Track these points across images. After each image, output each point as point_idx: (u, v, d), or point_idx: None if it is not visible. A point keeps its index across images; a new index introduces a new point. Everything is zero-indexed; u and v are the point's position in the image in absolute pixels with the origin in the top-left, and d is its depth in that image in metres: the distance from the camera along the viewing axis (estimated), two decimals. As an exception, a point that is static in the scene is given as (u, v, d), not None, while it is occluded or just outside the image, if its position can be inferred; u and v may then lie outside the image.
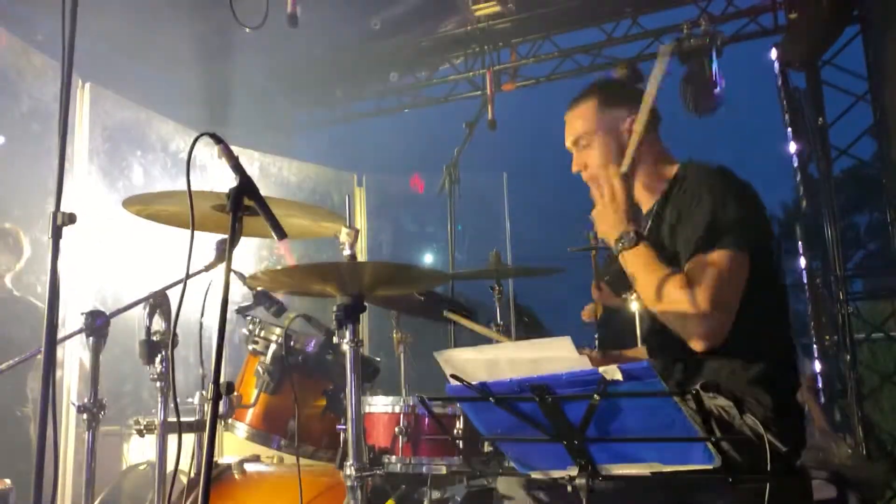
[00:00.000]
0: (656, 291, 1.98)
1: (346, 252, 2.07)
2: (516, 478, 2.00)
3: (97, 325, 2.18)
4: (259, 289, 2.61)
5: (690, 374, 2.04)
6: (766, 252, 2.07)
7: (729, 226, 1.99)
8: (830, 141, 6.25)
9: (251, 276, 2.12)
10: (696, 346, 1.96)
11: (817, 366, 6.29)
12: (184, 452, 1.90)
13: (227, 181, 1.75)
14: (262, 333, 2.74)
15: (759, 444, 1.84)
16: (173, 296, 2.13)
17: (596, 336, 4.95)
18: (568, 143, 2.32)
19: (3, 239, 4.29)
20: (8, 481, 2.96)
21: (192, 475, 2.36)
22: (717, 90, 6.19)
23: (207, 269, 2.28)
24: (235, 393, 2.60)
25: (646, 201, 2.28)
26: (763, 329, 2.03)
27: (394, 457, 2.61)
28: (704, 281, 1.93)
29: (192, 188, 1.78)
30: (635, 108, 2.20)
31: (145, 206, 2.23)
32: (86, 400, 2.20)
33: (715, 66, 6.24)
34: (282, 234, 1.79)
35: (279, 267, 2.07)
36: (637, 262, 2.04)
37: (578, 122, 2.28)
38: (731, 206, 2.02)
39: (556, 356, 1.59)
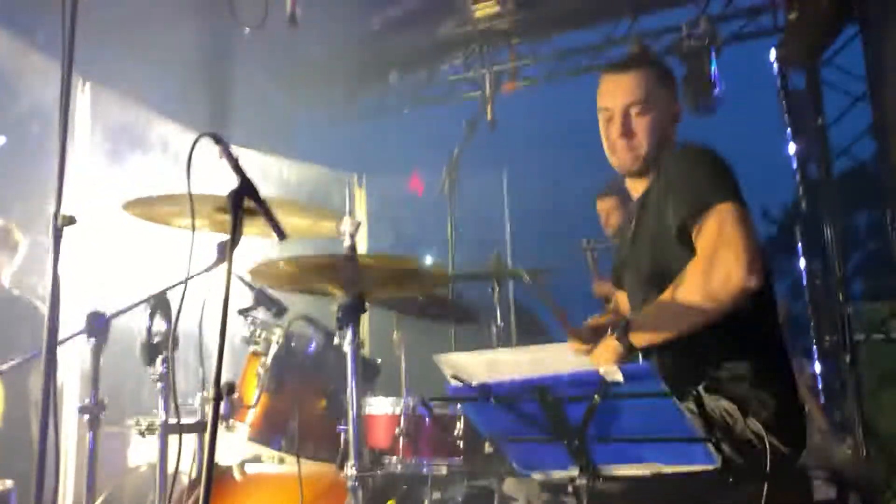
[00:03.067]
0: (684, 310, 1.92)
1: (347, 243, 2.07)
2: (517, 478, 2.00)
3: (98, 326, 2.18)
4: (259, 288, 2.62)
5: (689, 376, 2.04)
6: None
7: (712, 182, 1.99)
8: (830, 141, 6.25)
9: (252, 270, 2.12)
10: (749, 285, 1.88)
11: (817, 366, 6.29)
12: (184, 453, 1.90)
13: (228, 181, 1.76)
14: (263, 334, 2.74)
15: (761, 447, 1.84)
16: (174, 297, 2.13)
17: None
18: (613, 104, 2.22)
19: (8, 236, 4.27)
20: (9, 482, 2.96)
21: (193, 476, 2.36)
22: (717, 90, 6.20)
23: (208, 270, 2.28)
24: (236, 394, 2.60)
25: (637, 192, 2.30)
26: (758, 327, 2.03)
27: (394, 457, 2.61)
28: (713, 245, 1.91)
29: (193, 188, 1.78)
30: (676, 96, 2.26)
31: (146, 209, 2.22)
32: (86, 401, 2.20)
33: (714, 67, 6.25)
34: (282, 235, 1.79)
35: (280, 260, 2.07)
36: (649, 328, 1.98)
37: (636, 87, 2.21)
38: (706, 166, 2.04)
39: (555, 357, 1.59)
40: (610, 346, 1.97)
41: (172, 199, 2.15)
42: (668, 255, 2.09)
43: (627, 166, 2.25)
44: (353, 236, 2.08)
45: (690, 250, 2.01)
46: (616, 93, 2.23)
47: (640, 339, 1.96)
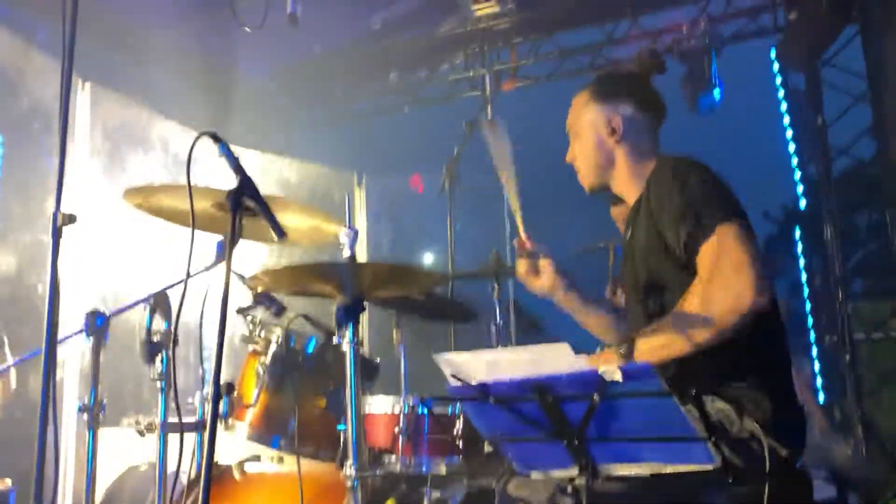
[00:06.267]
0: (691, 334, 1.92)
1: (346, 252, 2.07)
2: (517, 478, 2.00)
3: (97, 324, 2.18)
4: (259, 289, 2.61)
5: (687, 375, 2.04)
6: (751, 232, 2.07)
7: (713, 202, 1.99)
8: (830, 141, 6.25)
9: (251, 278, 2.13)
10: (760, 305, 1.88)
11: (817, 366, 6.29)
12: (184, 452, 1.90)
13: (228, 179, 1.76)
14: (263, 333, 2.74)
15: (759, 448, 1.84)
16: (174, 296, 2.13)
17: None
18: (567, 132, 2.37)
19: None
20: (9, 481, 2.96)
21: (193, 475, 2.36)
22: (716, 90, 6.20)
23: (208, 269, 2.28)
24: (235, 393, 2.60)
25: (631, 198, 2.30)
26: (758, 327, 2.03)
27: (394, 457, 2.61)
28: (718, 266, 1.91)
29: (194, 185, 1.79)
30: (625, 103, 2.26)
31: (146, 198, 2.21)
32: (86, 400, 2.20)
33: (714, 66, 6.25)
34: (281, 234, 1.79)
35: (279, 267, 2.08)
36: (654, 346, 1.97)
37: (572, 111, 2.34)
38: (706, 185, 2.03)
39: (554, 357, 1.59)
40: (613, 360, 1.95)
41: (172, 190, 2.14)
42: (660, 269, 2.11)
43: (586, 186, 2.35)
44: (352, 247, 2.08)
45: (684, 268, 2.02)
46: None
47: (647, 360, 1.92)
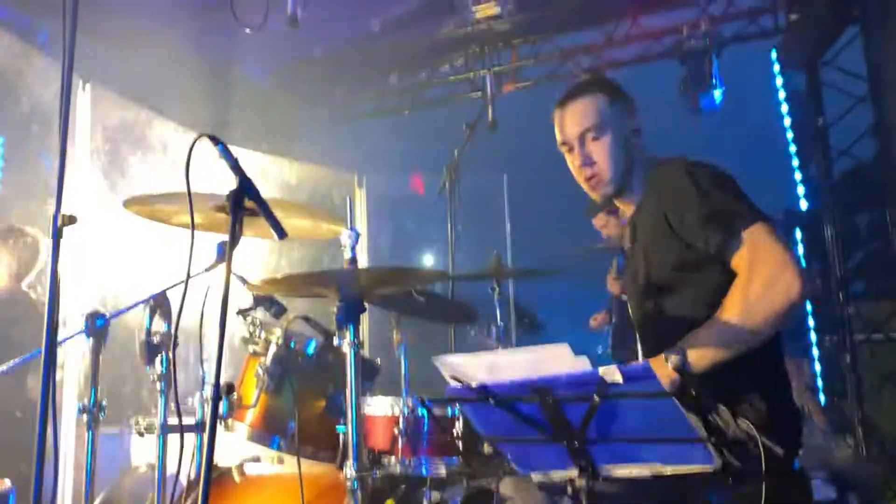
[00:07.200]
0: (745, 331, 1.91)
1: (348, 254, 2.07)
2: (517, 479, 2.00)
3: (97, 325, 2.18)
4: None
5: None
6: None
7: (739, 206, 2.00)
8: (831, 142, 6.25)
9: (251, 285, 2.13)
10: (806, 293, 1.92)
11: (817, 366, 6.29)
12: (184, 453, 1.90)
13: (228, 181, 1.76)
14: (262, 335, 2.74)
15: (755, 448, 1.84)
16: (174, 297, 2.13)
17: (610, 345, 5.02)
18: (569, 135, 2.25)
19: (22, 239, 4.24)
20: (8, 481, 2.96)
21: (192, 476, 2.36)
22: (717, 91, 6.21)
23: (208, 270, 2.28)
24: (235, 394, 2.60)
25: (627, 209, 2.31)
26: None
27: (393, 458, 2.61)
28: (759, 265, 1.92)
29: (194, 187, 1.79)
30: (633, 111, 2.27)
31: (146, 206, 2.23)
32: (85, 400, 2.20)
33: (715, 67, 6.25)
34: (282, 234, 1.79)
35: (278, 273, 2.08)
36: (705, 353, 1.93)
37: (586, 114, 2.23)
38: (725, 187, 2.04)
39: (554, 358, 1.59)
40: (663, 374, 1.79)
41: (172, 198, 2.16)
42: (665, 269, 2.12)
43: (601, 194, 2.27)
44: (353, 249, 2.08)
45: (697, 265, 2.04)
46: (569, 124, 2.25)
47: (699, 365, 1.90)
